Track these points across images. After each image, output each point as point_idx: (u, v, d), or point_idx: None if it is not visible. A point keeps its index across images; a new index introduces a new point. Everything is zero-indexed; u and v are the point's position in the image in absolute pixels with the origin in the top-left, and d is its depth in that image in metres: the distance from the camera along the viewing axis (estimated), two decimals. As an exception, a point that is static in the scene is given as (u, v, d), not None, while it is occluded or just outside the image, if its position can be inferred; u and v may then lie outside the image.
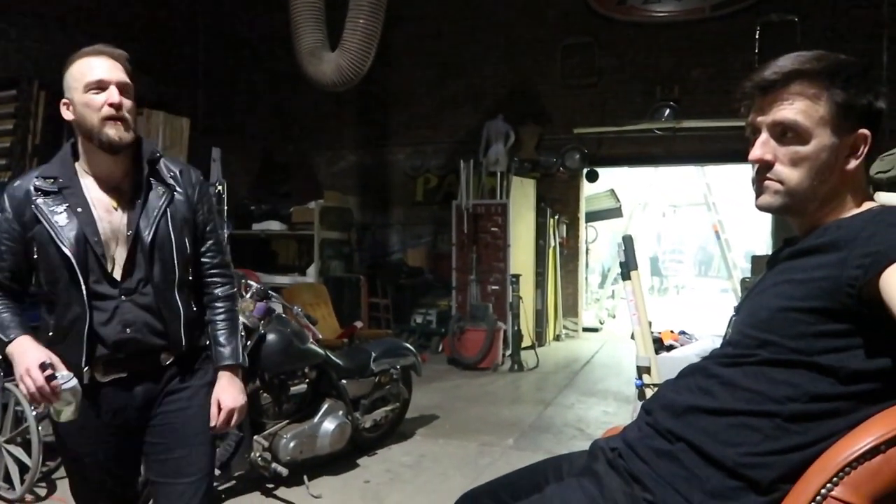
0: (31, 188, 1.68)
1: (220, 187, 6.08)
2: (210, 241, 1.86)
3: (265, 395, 3.54)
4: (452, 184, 8.58)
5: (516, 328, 7.11)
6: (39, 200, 1.66)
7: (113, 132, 1.65)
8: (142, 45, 8.35)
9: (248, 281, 3.62)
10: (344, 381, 3.91)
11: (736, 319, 1.29)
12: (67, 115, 1.70)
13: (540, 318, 8.33)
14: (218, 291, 1.88)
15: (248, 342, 3.32)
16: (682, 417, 1.19)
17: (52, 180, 1.69)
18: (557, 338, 8.81)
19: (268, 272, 7.51)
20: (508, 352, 7.11)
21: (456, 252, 7.76)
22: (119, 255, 1.71)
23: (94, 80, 1.65)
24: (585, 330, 9.48)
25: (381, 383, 4.24)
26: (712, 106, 7.41)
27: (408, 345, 4.59)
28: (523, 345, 7.18)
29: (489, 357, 6.94)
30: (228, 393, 1.84)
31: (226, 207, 6.05)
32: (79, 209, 1.67)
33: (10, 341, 1.61)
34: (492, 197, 7.88)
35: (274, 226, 8.07)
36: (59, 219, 1.66)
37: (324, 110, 9.18)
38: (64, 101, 1.70)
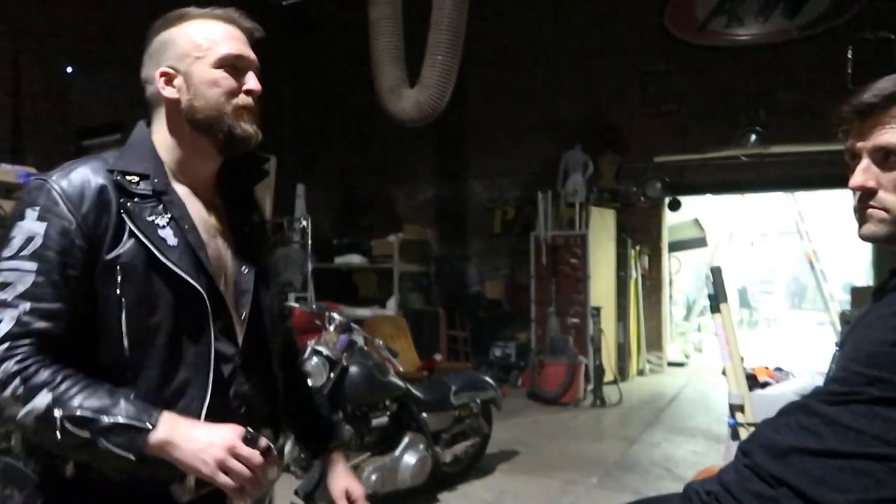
0: (108, 184, 1.11)
1: (304, 222, 6.28)
2: (279, 293, 1.43)
3: (348, 427, 3.58)
4: (530, 215, 8.53)
5: (598, 362, 6.94)
6: (130, 204, 1.11)
7: (249, 127, 1.20)
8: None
9: (332, 313, 3.70)
10: (425, 415, 3.91)
11: (840, 355, 1.21)
12: (169, 91, 1.18)
13: (622, 351, 8.11)
14: (298, 361, 1.51)
15: (332, 374, 3.38)
16: (784, 459, 1.12)
17: (139, 179, 1.14)
18: (641, 372, 8.54)
19: (349, 304, 7.66)
20: (590, 386, 6.94)
21: (535, 284, 7.68)
22: (228, 299, 1.21)
23: (234, 53, 1.19)
24: (670, 364, 9.14)
25: (462, 417, 4.22)
26: (802, 130, 7.10)
27: (487, 378, 4.55)
28: (605, 379, 6.99)
29: (570, 392, 6.79)
30: (354, 479, 1.45)
31: (310, 242, 6.23)
32: (186, 226, 1.15)
33: (155, 425, 1.02)
34: (571, 228, 7.79)
35: (355, 259, 8.25)
36: (167, 235, 1.12)
37: (403, 144, 9.38)
38: (165, 70, 1.18)
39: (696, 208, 10.15)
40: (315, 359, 3.42)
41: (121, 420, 1.00)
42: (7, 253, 1.05)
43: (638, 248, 8.48)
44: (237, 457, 1.01)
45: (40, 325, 1.03)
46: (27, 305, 1.03)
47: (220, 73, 1.18)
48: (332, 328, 3.57)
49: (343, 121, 9.91)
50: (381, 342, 3.96)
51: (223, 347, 1.17)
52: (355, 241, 8.39)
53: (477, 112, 9.19)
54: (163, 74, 1.18)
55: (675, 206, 8.54)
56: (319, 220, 8.07)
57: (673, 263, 9.75)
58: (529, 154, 8.92)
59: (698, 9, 8.20)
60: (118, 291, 1.08)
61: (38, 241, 1.05)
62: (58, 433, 0.99)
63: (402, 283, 8.06)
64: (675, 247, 9.76)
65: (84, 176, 1.11)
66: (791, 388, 2.99)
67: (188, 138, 1.20)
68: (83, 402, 1.00)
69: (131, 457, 1.00)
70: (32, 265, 1.04)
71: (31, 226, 1.06)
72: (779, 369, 3.44)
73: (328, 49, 9.74)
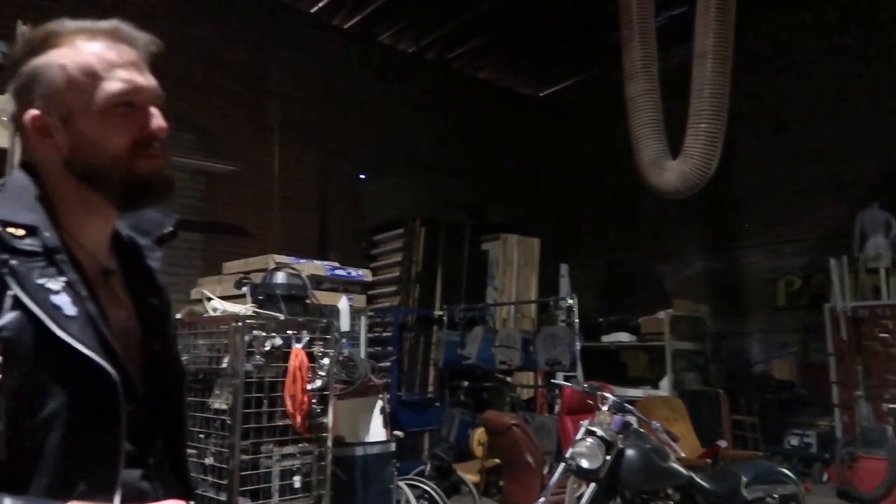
0: None
1: (570, 301, 6.35)
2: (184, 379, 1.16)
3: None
4: (821, 284, 7.62)
5: (930, 458, 5.74)
6: (13, 262, 0.85)
7: (151, 166, 0.95)
8: (494, 178, 9.45)
9: (604, 393, 3.61)
10: (712, 507, 3.56)
11: None
12: (47, 144, 0.92)
13: (964, 447, 6.60)
14: None
15: (608, 457, 3.26)
16: None
17: (24, 232, 0.87)
18: None
19: (618, 384, 7.43)
20: (922, 488, 5.73)
21: (835, 363, 6.72)
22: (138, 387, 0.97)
23: (126, 88, 0.92)
24: None
25: (757, 513, 3.75)
26: None
27: (785, 470, 4.02)
28: (943, 480, 5.73)
29: (894, 493, 5.69)
30: None
31: (577, 320, 6.25)
32: (84, 293, 0.89)
33: None
34: (876, 297, 6.73)
35: (623, 337, 8.08)
36: (62, 303, 0.86)
37: (667, 217, 9.06)
38: (36, 115, 0.91)
39: None
40: (589, 440, 3.34)
41: None
42: None
43: (973, 318, 6.99)
44: None
45: None
46: None
47: (112, 118, 0.91)
48: (605, 408, 3.46)
49: (603, 198, 9.93)
50: (658, 424, 3.73)
51: (131, 448, 0.90)
52: (622, 319, 8.24)
53: (749, 177, 8.58)
54: (35, 120, 0.91)
55: None
56: (584, 298, 8.07)
57: None
58: (814, 217, 8.04)
59: None
60: None
61: None
62: None
63: (674, 361, 7.63)
64: None
65: None
66: None
67: (75, 194, 0.94)
68: None
69: None
70: None
71: None
72: None
73: (584, 130, 9.97)
